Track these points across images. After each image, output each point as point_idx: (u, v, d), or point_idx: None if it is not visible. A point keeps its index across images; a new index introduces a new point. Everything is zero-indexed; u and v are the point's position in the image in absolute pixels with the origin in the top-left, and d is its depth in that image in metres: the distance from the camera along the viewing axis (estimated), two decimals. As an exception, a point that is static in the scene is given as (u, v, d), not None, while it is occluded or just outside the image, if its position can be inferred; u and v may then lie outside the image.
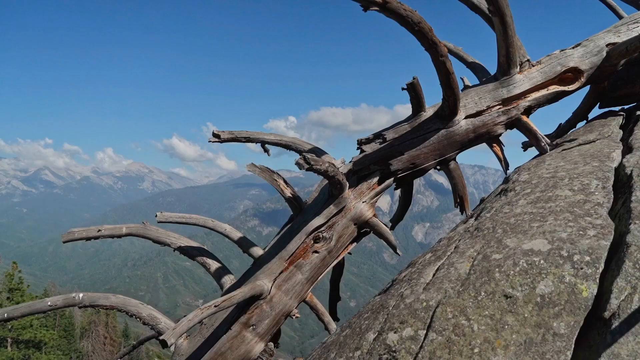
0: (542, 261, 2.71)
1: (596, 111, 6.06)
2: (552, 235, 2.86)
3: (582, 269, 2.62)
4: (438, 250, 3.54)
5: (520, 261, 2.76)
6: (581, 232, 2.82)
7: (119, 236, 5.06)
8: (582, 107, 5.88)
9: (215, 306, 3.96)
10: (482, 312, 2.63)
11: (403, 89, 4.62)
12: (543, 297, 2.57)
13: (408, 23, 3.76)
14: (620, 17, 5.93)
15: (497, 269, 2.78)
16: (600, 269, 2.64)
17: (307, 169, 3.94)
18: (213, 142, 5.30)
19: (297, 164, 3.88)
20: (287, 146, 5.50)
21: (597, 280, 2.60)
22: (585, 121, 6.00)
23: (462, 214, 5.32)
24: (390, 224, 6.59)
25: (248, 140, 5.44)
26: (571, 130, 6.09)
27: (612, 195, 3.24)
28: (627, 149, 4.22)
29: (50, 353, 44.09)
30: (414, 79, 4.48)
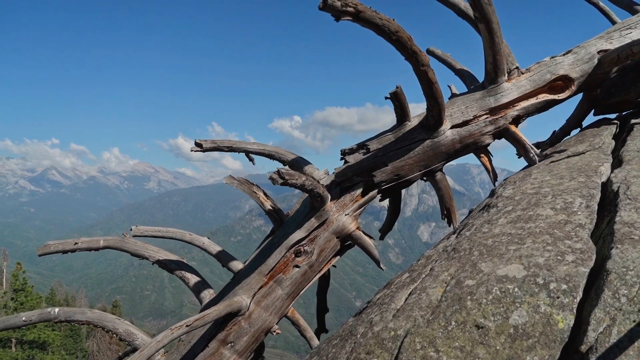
0: (516, 289, 2.55)
1: (591, 118, 5.88)
2: (529, 260, 2.69)
3: (558, 298, 2.46)
4: (414, 271, 3.39)
5: (493, 289, 2.60)
6: (559, 258, 2.65)
7: (97, 249, 4.94)
8: (576, 115, 5.69)
9: (187, 326, 3.82)
10: (452, 344, 2.47)
11: (386, 97, 4.47)
12: (516, 328, 2.41)
13: (385, 32, 3.60)
14: (613, 22, 5.74)
15: (469, 297, 2.62)
16: (578, 298, 2.47)
17: (282, 184, 3.80)
18: (195, 151, 5.17)
19: (271, 178, 3.73)
20: (270, 155, 5.36)
21: (574, 311, 2.43)
22: (579, 129, 5.81)
23: (449, 226, 5.15)
24: (383, 231, 6.45)
25: (230, 149, 5.31)
26: (565, 139, 5.91)
27: (595, 216, 3.07)
28: (618, 162, 4.05)
29: (55, 353, 44.19)
30: (397, 88, 4.32)
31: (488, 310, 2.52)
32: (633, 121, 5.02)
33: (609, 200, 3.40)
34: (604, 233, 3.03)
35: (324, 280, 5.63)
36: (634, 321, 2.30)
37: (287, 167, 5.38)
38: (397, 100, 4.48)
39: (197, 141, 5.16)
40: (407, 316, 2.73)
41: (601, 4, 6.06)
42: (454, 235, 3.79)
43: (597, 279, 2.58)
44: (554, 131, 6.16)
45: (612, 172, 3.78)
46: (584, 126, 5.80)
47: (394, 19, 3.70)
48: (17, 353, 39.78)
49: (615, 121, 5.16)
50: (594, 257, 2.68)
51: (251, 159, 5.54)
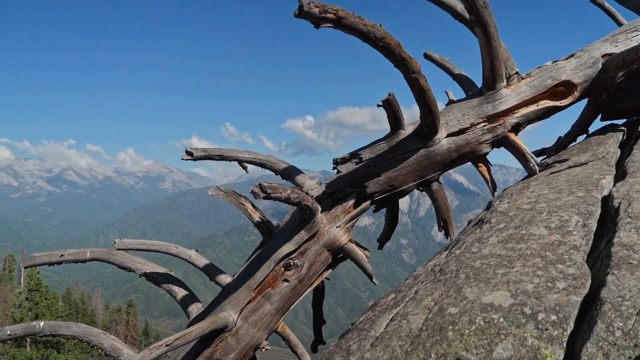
0: (501, 319, 2.35)
1: (598, 123, 5.62)
2: (517, 287, 2.49)
3: (547, 330, 2.25)
4: (400, 292, 3.20)
5: (477, 318, 2.40)
6: (549, 284, 2.45)
7: (83, 261, 4.82)
8: (581, 121, 5.44)
9: (166, 345, 3.68)
10: (430, 379, 2.29)
11: (379, 105, 4.29)
12: (501, 362, 2.21)
13: (371, 39, 3.41)
14: (620, 24, 5.46)
15: (451, 327, 2.43)
16: (569, 331, 2.26)
17: (264, 198, 3.63)
18: (186, 159, 5.06)
19: (253, 192, 3.57)
20: (261, 164, 5.21)
21: (564, 344, 2.23)
22: (585, 135, 5.56)
23: (446, 238, 4.94)
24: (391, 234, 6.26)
25: (222, 158, 5.18)
26: (570, 145, 5.66)
27: (592, 236, 2.85)
28: (622, 173, 3.81)
29: (69, 353, 44.67)
30: (389, 95, 4.14)
31: (471, 342, 2.32)
32: (641, 128, 4.77)
33: (609, 217, 3.17)
34: (602, 254, 2.81)
35: (319, 292, 5.45)
36: (629, 357, 2.10)
37: (278, 175, 5.24)
38: (390, 108, 4.30)
39: (188, 149, 5.05)
40: (385, 346, 2.54)
41: (607, 4, 5.78)
42: (446, 252, 3.59)
43: (591, 308, 2.37)
44: (560, 137, 5.91)
45: (614, 185, 3.55)
46: (590, 132, 5.55)
47: (380, 25, 3.51)
48: (32, 352, 40.28)
49: (622, 128, 4.90)
50: (587, 283, 2.47)
51: (244, 167, 5.39)
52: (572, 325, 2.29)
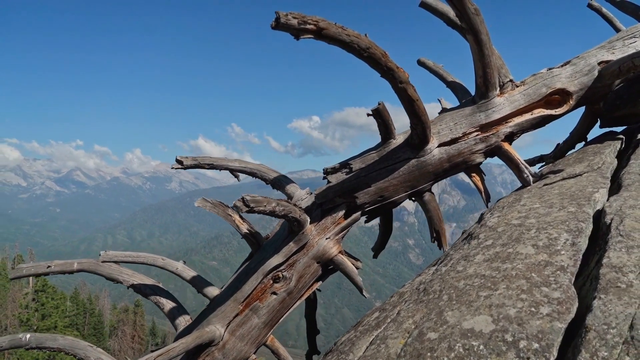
0: (481, 346, 2.25)
1: (597, 130, 5.48)
2: (499, 312, 2.38)
3: (528, 358, 2.15)
4: (384, 311, 3.10)
5: (456, 345, 2.30)
6: (533, 309, 2.34)
7: (70, 272, 4.77)
8: (579, 128, 5.30)
9: (148, 362, 3.60)
10: (407, 409, 2.19)
11: (368, 115, 4.19)
12: (480, 393, 2.12)
13: (355, 49, 3.31)
14: (617, 30, 5.32)
15: (429, 353, 2.33)
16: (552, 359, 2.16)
17: (247, 212, 3.54)
18: (176, 168, 4.99)
19: (235, 206, 3.48)
20: (252, 174, 5.13)
21: (547, 374, 2.13)
22: (583, 142, 5.43)
23: (440, 249, 4.83)
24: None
25: (212, 167, 5.11)
26: (569, 152, 5.54)
27: (581, 256, 2.74)
28: (617, 186, 3.69)
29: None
30: (379, 104, 4.04)
31: (449, 370, 2.22)
32: (640, 136, 4.64)
33: (601, 234, 3.06)
34: (592, 274, 2.70)
35: (310, 304, 5.37)
36: (614, 390, 2.00)
37: (269, 184, 5.16)
38: (380, 118, 4.20)
39: (178, 158, 4.98)
40: (361, 372, 2.45)
41: (604, 10, 5.63)
42: (434, 268, 3.49)
43: (576, 334, 2.27)
44: (558, 144, 5.78)
45: (608, 199, 3.43)
46: (589, 140, 5.42)
47: (365, 34, 3.41)
48: (38, 353, 40.45)
49: (621, 136, 4.76)
50: (573, 308, 2.35)
51: (236, 176, 5.32)
52: (555, 353, 2.18)
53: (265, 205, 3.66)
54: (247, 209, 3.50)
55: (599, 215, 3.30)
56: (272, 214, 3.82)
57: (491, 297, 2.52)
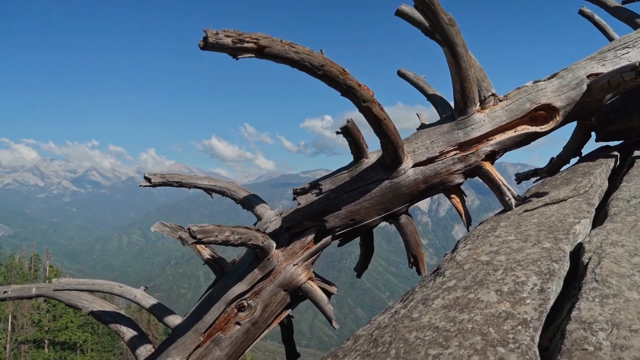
0: (420, 422, 1.94)
1: (593, 143, 5.11)
2: (445, 378, 2.07)
3: None
4: (336, 358, 2.80)
5: (393, 417, 1.99)
6: (483, 377, 2.02)
7: (29, 297, 4.55)
8: (572, 143, 4.93)
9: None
10: None
11: (337, 132, 3.89)
12: None
13: (307, 68, 3.01)
14: (610, 39, 4.93)
15: None
16: None
17: (195, 244, 3.27)
18: (144, 186, 4.74)
19: (180, 239, 3.20)
20: (221, 192, 4.87)
21: None
22: (578, 157, 5.05)
23: (419, 275, 4.51)
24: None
25: (180, 184, 4.86)
26: (563, 168, 5.17)
27: (549, 306, 2.40)
28: (603, 214, 3.34)
29: (85, 353, 45.15)
30: (348, 122, 3.74)
31: None
32: (636, 153, 4.26)
33: (579, 274, 2.72)
34: (562, 326, 2.37)
35: (285, 328, 5.07)
36: None
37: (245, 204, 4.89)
38: (350, 136, 3.89)
39: (146, 175, 4.75)
40: None
41: (596, 17, 5.22)
42: (398, 306, 3.17)
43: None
44: (552, 158, 5.42)
45: (592, 230, 3.08)
46: (584, 154, 5.04)
47: (321, 50, 3.11)
48: (50, 354, 40.82)
49: (615, 153, 4.39)
50: (531, 376, 2.03)
51: (209, 193, 5.06)
52: None
53: (216, 235, 3.38)
54: (193, 240, 3.22)
55: (579, 250, 2.96)
56: (227, 243, 3.54)
57: (440, 357, 2.20)
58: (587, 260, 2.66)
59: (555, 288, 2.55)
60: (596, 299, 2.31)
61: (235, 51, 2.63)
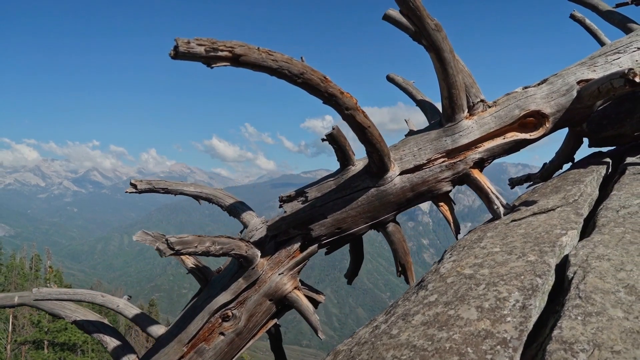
0: None
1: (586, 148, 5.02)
2: (419, 401, 1.99)
3: None
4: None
5: None
6: (458, 401, 1.94)
7: (11, 306, 4.48)
8: (564, 149, 4.85)
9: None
10: None
11: (323, 140, 3.82)
12: None
13: (286, 76, 2.94)
14: (602, 43, 4.84)
15: None
16: None
17: (173, 255, 3.20)
18: (130, 192, 4.69)
19: (157, 250, 3.13)
20: (207, 199, 4.80)
21: None
22: (571, 163, 4.97)
23: (407, 283, 4.44)
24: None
25: (166, 191, 4.81)
26: (557, 173, 5.09)
27: (531, 324, 2.32)
28: (592, 225, 3.26)
29: (85, 354, 45.16)
30: (333, 129, 3.66)
31: None
32: (628, 160, 4.18)
33: (564, 288, 2.64)
34: (543, 345, 2.29)
35: (273, 337, 5.00)
36: None
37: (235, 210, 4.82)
38: (335, 143, 3.81)
39: (132, 182, 4.70)
40: None
41: (587, 21, 5.13)
42: (380, 319, 3.09)
43: None
44: (545, 164, 5.34)
45: (579, 242, 3.00)
46: (576, 159, 4.96)
47: (302, 58, 3.04)
48: (49, 354, 40.81)
49: (607, 160, 4.31)
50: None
51: (197, 200, 4.99)
52: None
53: (196, 246, 3.31)
54: (171, 252, 3.15)
55: (566, 262, 2.88)
56: (208, 254, 3.46)
57: (415, 378, 2.12)
58: (572, 275, 2.58)
59: (538, 304, 2.47)
60: (579, 317, 2.23)
61: (208, 60, 2.56)
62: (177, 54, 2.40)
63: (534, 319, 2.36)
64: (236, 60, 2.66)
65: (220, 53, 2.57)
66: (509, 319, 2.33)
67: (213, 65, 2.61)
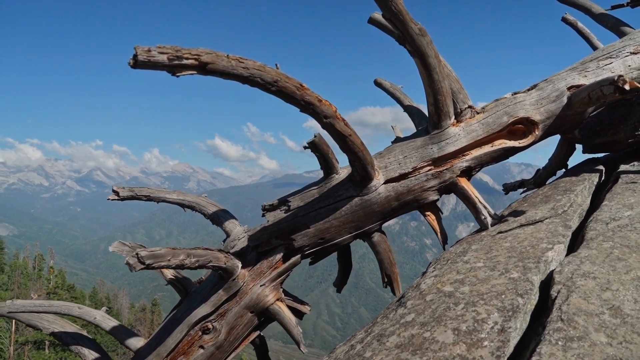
0: None
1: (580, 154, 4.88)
2: None
3: None
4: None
5: None
6: None
7: (-11, 318, 4.37)
8: (557, 156, 4.71)
9: None
10: None
11: (305, 147, 3.69)
12: None
13: (259, 84, 2.81)
14: (594, 48, 4.70)
15: None
16: None
17: (144, 269, 3.08)
18: (112, 199, 4.58)
19: (127, 264, 3.01)
20: (190, 207, 4.69)
21: None
22: (564, 169, 4.83)
23: (393, 294, 4.31)
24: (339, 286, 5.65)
25: (149, 198, 4.69)
26: (551, 180, 4.95)
27: (510, 348, 2.20)
28: (580, 238, 3.13)
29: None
30: (315, 137, 3.54)
31: None
32: (622, 168, 4.04)
33: (548, 308, 2.51)
34: (523, 370, 2.16)
35: (259, 349, 4.88)
36: None
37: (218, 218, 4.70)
38: (318, 151, 3.69)
39: (115, 189, 4.58)
40: None
41: (579, 25, 4.99)
42: (361, 335, 2.97)
43: None
44: (538, 170, 5.20)
45: (565, 257, 2.87)
46: (570, 166, 4.83)
47: (276, 65, 2.92)
48: (50, 355, 40.89)
49: (600, 167, 4.17)
50: None
51: (182, 207, 4.88)
52: None
53: (169, 259, 3.19)
54: (142, 266, 3.03)
55: (550, 279, 2.75)
56: (182, 267, 3.35)
57: (383, 409, 2.00)
58: (556, 294, 2.46)
59: (519, 325, 2.34)
60: (559, 342, 2.10)
61: (173, 69, 2.44)
62: (137, 63, 2.28)
63: (512, 343, 2.24)
64: (203, 68, 2.54)
65: (185, 61, 2.45)
66: (485, 343, 2.20)
67: (178, 74, 2.49)
